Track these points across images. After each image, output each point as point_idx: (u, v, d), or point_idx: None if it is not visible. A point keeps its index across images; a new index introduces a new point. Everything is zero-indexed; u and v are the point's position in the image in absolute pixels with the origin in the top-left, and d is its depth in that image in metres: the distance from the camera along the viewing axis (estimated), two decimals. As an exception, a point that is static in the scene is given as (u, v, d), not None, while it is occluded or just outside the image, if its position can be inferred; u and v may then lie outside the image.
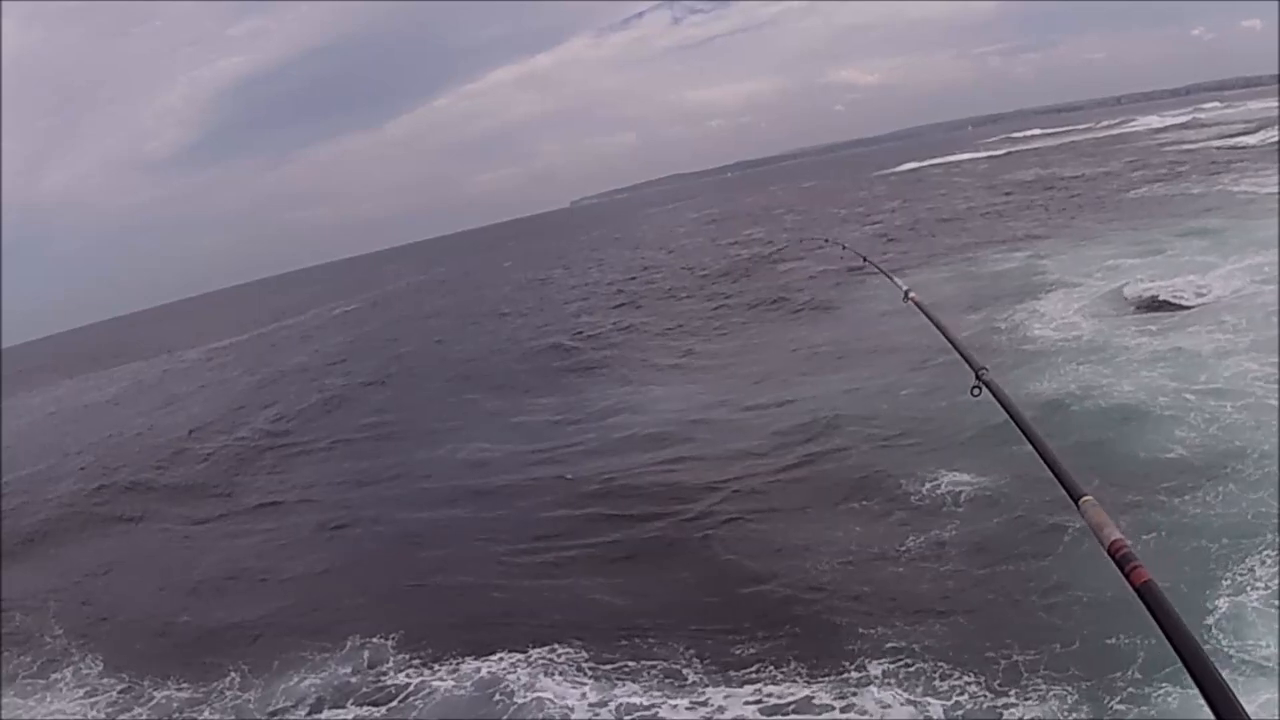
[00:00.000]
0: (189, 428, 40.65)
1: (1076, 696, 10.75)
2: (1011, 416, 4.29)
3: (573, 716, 12.99)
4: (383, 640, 16.34)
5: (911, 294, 7.97)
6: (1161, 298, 26.04)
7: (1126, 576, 2.81)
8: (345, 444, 32.22)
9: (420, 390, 38.82)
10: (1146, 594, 2.68)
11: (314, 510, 25.85)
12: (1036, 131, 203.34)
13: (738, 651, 13.74)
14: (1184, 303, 25.31)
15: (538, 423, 29.33)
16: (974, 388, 5.00)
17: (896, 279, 8.89)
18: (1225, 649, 10.70)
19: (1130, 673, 10.73)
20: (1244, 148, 66.14)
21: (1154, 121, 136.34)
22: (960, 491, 16.87)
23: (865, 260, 12.52)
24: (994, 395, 4.70)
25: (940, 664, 11.98)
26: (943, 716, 11.16)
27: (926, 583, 14.20)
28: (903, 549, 15.46)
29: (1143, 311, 25.50)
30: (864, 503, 17.89)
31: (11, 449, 48.72)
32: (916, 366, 25.29)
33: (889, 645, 12.69)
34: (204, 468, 32.54)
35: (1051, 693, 10.93)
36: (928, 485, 17.46)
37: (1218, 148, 70.22)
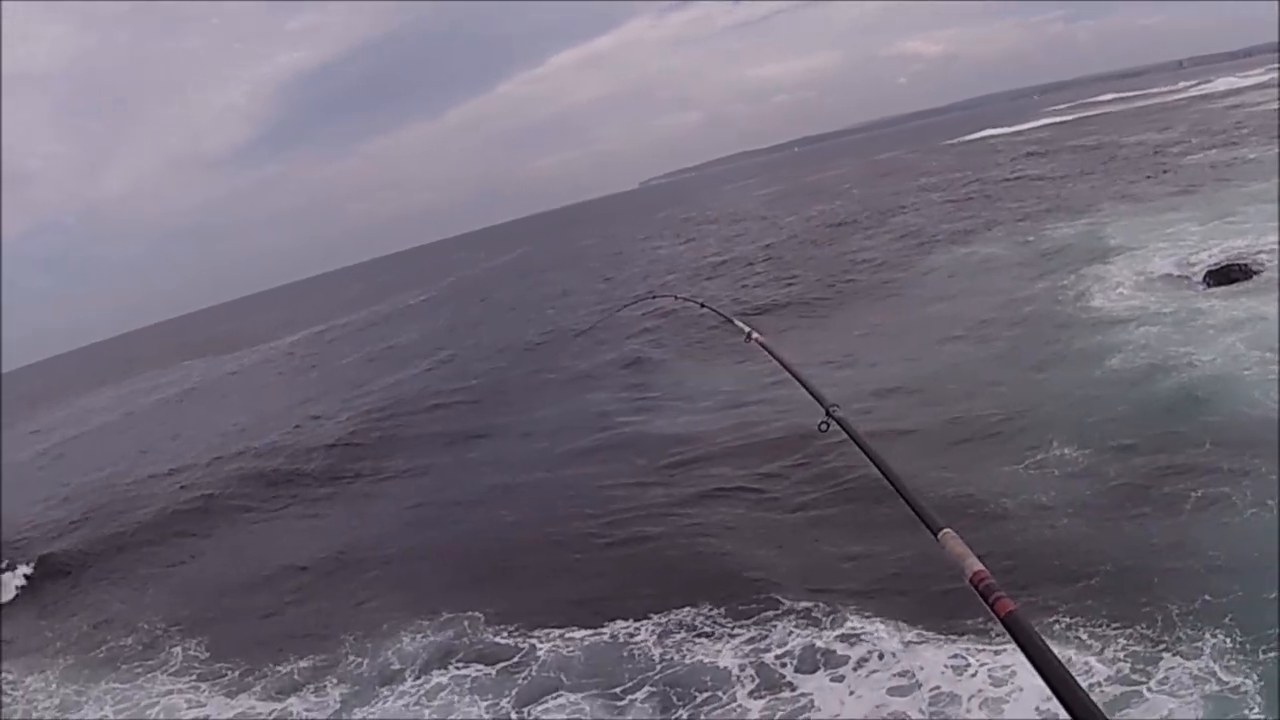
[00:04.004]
0: (282, 418, 41.74)
1: (1231, 644, 10.92)
2: (864, 450, 4.26)
3: (730, 664, 13.52)
4: (476, 613, 16.88)
5: (755, 336, 7.59)
6: (1229, 263, 25.74)
7: (991, 607, 2.84)
8: (439, 422, 33.23)
9: (506, 369, 39.68)
10: (1011, 624, 2.71)
11: (401, 493, 26.72)
12: (1110, 96, 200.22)
13: (860, 599, 14.30)
14: (1254, 268, 25.04)
15: (616, 397, 30.17)
16: (821, 423, 4.92)
17: (739, 321, 8.53)
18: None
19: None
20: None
21: (1234, 82, 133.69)
22: (1073, 457, 16.93)
23: (703, 306, 12.20)
24: (845, 430, 4.64)
25: (1087, 618, 12.16)
26: (1102, 664, 11.35)
27: (1051, 542, 14.29)
28: (1019, 506, 15.61)
29: (1211, 277, 25.33)
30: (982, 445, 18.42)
31: (115, 438, 50.39)
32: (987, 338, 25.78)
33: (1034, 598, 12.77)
34: (300, 454, 33.50)
35: (1208, 642, 11.08)
36: (1048, 442, 17.63)
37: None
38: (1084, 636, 11.77)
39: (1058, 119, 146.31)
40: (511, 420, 30.60)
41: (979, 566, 3.01)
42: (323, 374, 54.85)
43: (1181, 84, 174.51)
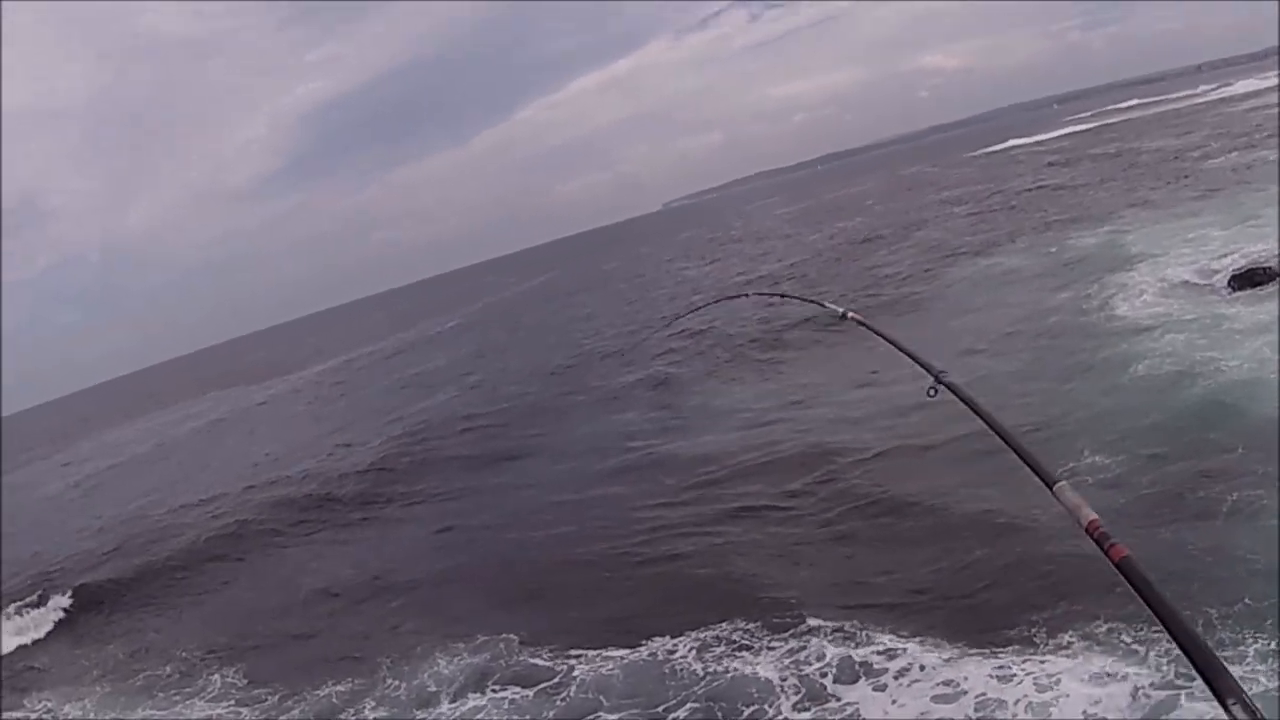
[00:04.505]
0: (312, 446, 41.89)
1: (1274, 647, 10.92)
2: (976, 412, 4.40)
3: (771, 675, 13.56)
4: (511, 635, 16.93)
5: (851, 314, 7.67)
6: (1253, 266, 25.45)
7: (1105, 553, 2.96)
8: (469, 445, 33.36)
9: (534, 392, 39.62)
10: (1126, 569, 2.86)
11: (432, 516, 26.74)
12: (1131, 102, 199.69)
13: (896, 614, 14.35)
14: (1279, 270, 24.67)
15: (644, 417, 30.26)
16: (930, 389, 5.12)
17: (828, 303, 8.66)
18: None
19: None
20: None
21: (1254, 84, 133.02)
22: (1105, 465, 16.96)
23: (783, 296, 12.38)
24: (955, 394, 4.76)
25: (1127, 623, 12.12)
26: (1145, 669, 11.38)
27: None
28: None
29: (1235, 281, 25.12)
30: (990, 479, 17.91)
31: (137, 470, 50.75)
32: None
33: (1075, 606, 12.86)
34: (331, 480, 33.53)
35: (1250, 645, 11.08)
36: (1079, 452, 17.57)
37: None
38: (1126, 640, 11.77)
39: (1079, 127, 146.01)
40: (541, 442, 30.69)
41: (1093, 515, 3.17)
42: (351, 402, 55.20)
43: (1201, 88, 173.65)
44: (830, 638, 14.04)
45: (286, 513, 31.06)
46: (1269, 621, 11.30)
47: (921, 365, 5.37)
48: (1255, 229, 30.24)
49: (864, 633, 13.89)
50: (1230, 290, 24.80)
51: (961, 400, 4.64)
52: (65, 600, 27.50)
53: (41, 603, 27.65)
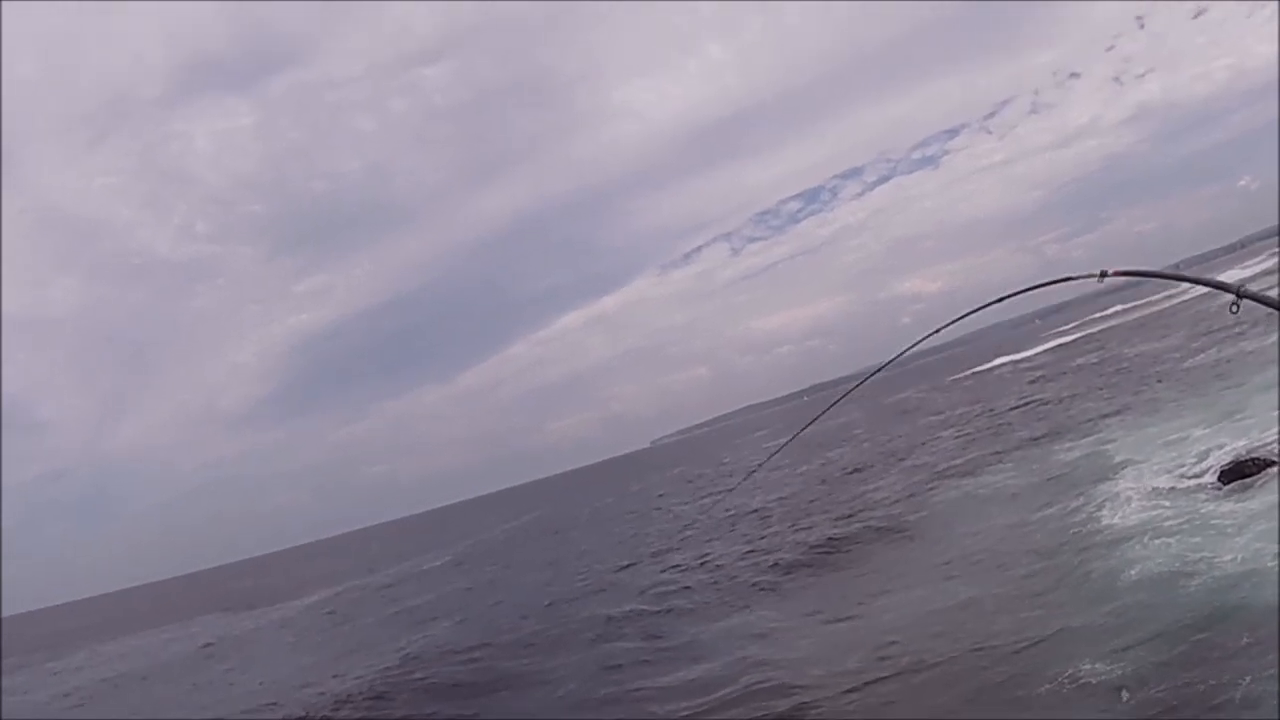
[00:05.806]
0: (305, 673, 40.89)
1: None
2: None
3: None
4: None
5: (1109, 271, 7.84)
6: (1241, 460, 25.08)
7: None
8: (461, 674, 32.04)
9: (525, 626, 38.62)
10: None
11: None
12: (1114, 309, 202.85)
13: None
14: (1268, 459, 24.30)
15: (636, 647, 29.20)
16: (1232, 305, 5.48)
17: (1079, 274, 8.56)
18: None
19: None
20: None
21: (1237, 274, 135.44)
22: (1107, 670, 16.37)
23: (1060, 281, 12.17)
24: (1258, 300, 5.29)
25: None
26: None
27: None
28: None
29: (1224, 476, 24.75)
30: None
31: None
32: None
33: None
34: (325, 705, 32.03)
35: None
36: (1079, 660, 17.01)
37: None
38: None
39: (1063, 339, 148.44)
40: (533, 674, 29.83)
41: None
42: (344, 632, 54.31)
43: (1184, 286, 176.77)
44: None
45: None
46: None
47: (1214, 286, 6.07)
48: (1239, 422, 30.33)
49: None
50: (1219, 486, 24.41)
51: (1273, 306, 5.33)
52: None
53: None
